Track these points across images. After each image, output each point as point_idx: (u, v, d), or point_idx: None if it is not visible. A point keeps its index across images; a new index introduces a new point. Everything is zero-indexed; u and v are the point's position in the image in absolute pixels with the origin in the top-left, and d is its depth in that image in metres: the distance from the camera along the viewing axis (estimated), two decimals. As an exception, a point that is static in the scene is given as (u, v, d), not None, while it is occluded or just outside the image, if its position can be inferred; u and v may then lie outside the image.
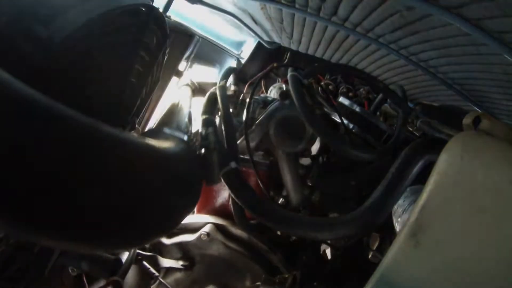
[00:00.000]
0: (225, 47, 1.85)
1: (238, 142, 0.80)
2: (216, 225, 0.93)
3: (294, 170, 0.88)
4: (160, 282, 0.91)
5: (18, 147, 0.30)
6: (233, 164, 0.64)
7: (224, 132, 0.70)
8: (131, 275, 0.92)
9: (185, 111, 0.95)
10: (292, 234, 0.93)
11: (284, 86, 1.25)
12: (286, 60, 1.88)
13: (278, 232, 0.94)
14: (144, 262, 0.91)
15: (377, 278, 0.41)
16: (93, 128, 0.37)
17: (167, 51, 0.79)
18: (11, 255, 0.55)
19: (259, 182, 0.80)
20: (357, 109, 0.95)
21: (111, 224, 0.40)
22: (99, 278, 0.77)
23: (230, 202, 0.87)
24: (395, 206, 0.56)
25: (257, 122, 0.88)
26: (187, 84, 1.36)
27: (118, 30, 0.57)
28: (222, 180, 0.65)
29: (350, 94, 1.08)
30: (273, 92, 1.33)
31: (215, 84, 0.88)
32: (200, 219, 0.96)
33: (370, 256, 1.01)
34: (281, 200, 0.91)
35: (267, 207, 0.59)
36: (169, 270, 0.95)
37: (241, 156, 0.84)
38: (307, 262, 0.93)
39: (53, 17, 0.45)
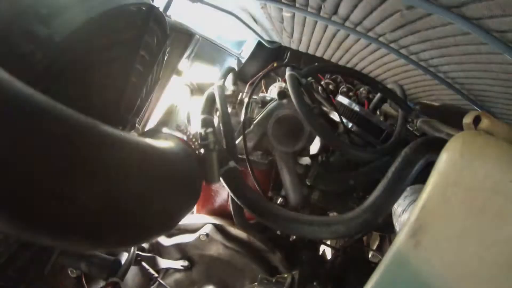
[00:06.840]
0: (225, 47, 1.85)
1: (237, 141, 0.80)
2: (215, 226, 0.93)
3: (293, 170, 0.87)
4: (160, 283, 0.91)
5: (17, 147, 0.30)
6: (232, 164, 0.64)
7: (222, 132, 0.70)
8: (130, 276, 0.92)
9: (184, 111, 0.95)
10: (292, 234, 0.93)
11: (284, 85, 1.25)
12: (287, 59, 1.88)
13: (278, 232, 0.93)
14: (143, 263, 0.91)
15: (377, 278, 0.41)
16: (92, 128, 0.37)
17: (167, 51, 0.79)
18: (11, 255, 0.55)
19: (254, 181, 0.80)
20: (356, 108, 0.95)
21: (110, 223, 0.40)
22: (98, 279, 0.77)
23: (229, 202, 0.87)
24: (395, 206, 0.56)
25: (255, 121, 0.88)
26: (186, 85, 1.36)
27: (119, 30, 0.57)
28: (222, 179, 0.65)
29: (351, 93, 1.08)
30: (273, 92, 1.33)
31: (213, 84, 0.88)
32: (199, 220, 0.96)
33: (370, 256, 1.01)
34: (280, 200, 0.90)
35: (266, 207, 0.59)
36: (168, 270, 0.95)
37: (240, 156, 0.84)
38: (307, 262, 0.93)
39: (53, 16, 0.45)
